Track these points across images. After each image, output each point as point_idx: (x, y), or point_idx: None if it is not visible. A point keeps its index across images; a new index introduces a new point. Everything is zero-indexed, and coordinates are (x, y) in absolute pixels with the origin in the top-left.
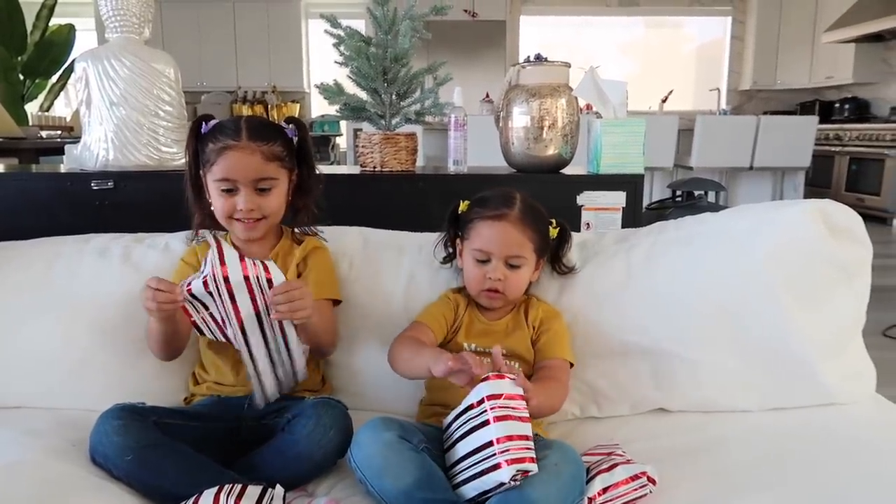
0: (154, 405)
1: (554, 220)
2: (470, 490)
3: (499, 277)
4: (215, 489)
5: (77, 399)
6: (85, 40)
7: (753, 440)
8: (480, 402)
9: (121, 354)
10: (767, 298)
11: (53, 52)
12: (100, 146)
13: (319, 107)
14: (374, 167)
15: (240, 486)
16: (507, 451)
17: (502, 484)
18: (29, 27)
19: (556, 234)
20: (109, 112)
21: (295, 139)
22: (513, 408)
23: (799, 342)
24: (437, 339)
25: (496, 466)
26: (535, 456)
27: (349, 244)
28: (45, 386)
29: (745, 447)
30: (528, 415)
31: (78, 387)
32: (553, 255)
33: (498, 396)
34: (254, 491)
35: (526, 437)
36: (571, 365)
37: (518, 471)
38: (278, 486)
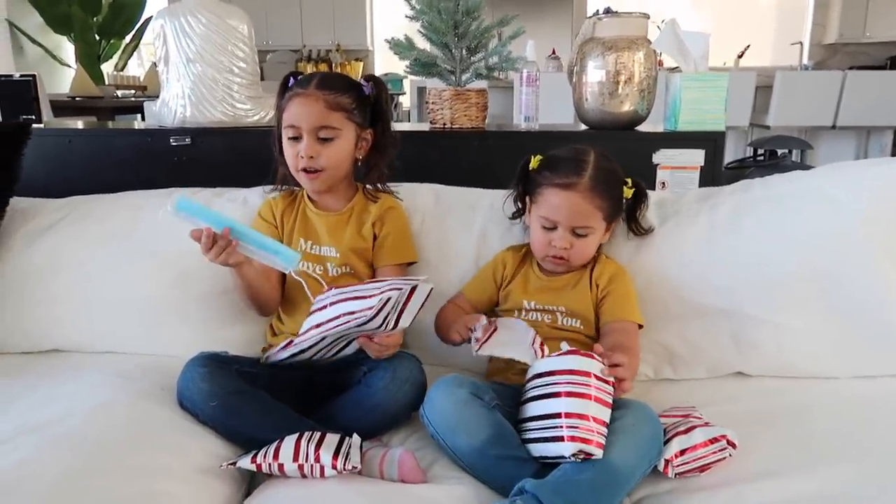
0: (235, 354)
1: (630, 180)
2: (534, 450)
3: (564, 246)
4: (296, 436)
5: (163, 346)
6: (155, 0)
7: (838, 408)
8: (570, 371)
9: (202, 304)
10: (863, 261)
11: (127, 12)
12: (177, 102)
13: (383, 65)
14: (444, 124)
15: (319, 433)
16: (576, 428)
17: (563, 457)
18: None
19: (630, 195)
20: (186, 68)
21: (371, 96)
22: (598, 388)
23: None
24: (480, 308)
25: (560, 438)
26: (603, 443)
27: (421, 201)
28: (132, 333)
29: (829, 415)
30: (610, 401)
31: (163, 335)
32: (629, 216)
33: (587, 374)
34: (332, 439)
35: (602, 423)
36: (640, 326)
37: (580, 450)
38: (355, 434)
